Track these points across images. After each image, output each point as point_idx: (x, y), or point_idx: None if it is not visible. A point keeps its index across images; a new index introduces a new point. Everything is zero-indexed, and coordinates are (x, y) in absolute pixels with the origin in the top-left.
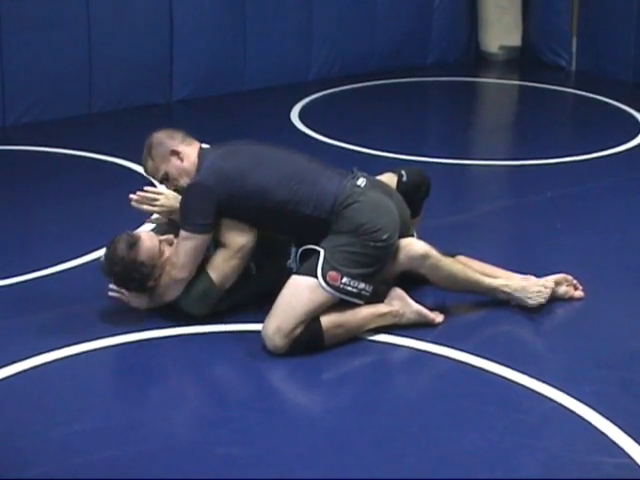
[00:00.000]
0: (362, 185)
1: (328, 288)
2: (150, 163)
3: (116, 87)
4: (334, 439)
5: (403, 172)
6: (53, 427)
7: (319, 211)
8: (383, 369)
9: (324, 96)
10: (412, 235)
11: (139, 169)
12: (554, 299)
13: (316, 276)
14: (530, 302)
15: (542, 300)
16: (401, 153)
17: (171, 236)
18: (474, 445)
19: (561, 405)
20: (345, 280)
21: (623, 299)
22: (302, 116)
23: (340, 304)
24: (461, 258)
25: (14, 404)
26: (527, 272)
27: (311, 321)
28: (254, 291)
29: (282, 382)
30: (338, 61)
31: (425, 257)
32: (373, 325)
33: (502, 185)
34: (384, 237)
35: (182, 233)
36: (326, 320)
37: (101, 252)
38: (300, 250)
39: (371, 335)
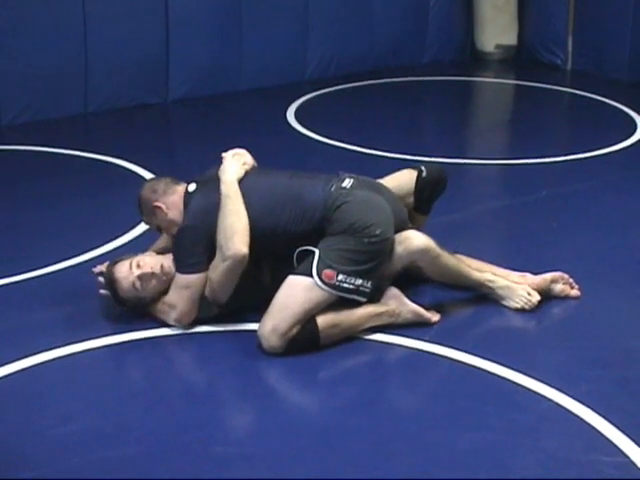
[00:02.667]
0: (348, 186)
1: (324, 286)
2: (145, 218)
3: (112, 87)
4: (331, 439)
5: (423, 168)
6: (50, 427)
7: (310, 223)
8: (380, 369)
9: (320, 95)
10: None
11: (135, 168)
12: (550, 298)
13: (311, 275)
14: (512, 304)
15: (526, 307)
16: (397, 152)
17: (148, 270)
18: (471, 445)
19: (558, 404)
20: (341, 277)
21: (619, 298)
22: (298, 115)
23: (336, 304)
24: (460, 257)
25: (11, 404)
26: (523, 271)
27: (307, 321)
28: (266, 298)
29: (279, 381)
30: (334, 60)
31: (425, 251)
32: (369, 325)
33: (498, 184)
34: (377, 232)
35: (178, 279)
36: (322, 320)
37: (97, 252)
38: (297, 251)
39: (367, 334)
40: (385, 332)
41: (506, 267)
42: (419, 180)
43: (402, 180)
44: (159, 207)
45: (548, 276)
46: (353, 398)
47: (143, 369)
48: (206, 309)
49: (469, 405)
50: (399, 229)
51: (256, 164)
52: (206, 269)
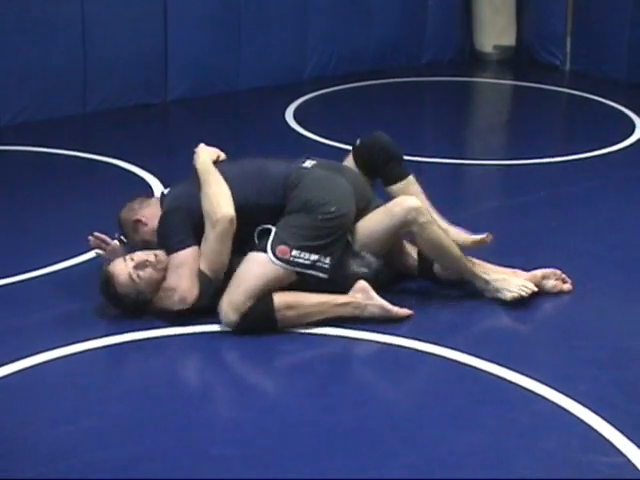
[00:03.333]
0: (309, 167)
1: (277, 261)
2: (129, 240)
3: (111, 86)
4: (328, 439)
5: (359, 140)
6: (48, 427)
7: (275, 197)
8: (377, 369)
9: (319, 96)
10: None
11: (133, 169)
12: (543, 293)
13: (266, 251)
14: (508, 295)
15: (523, 294)
16: None
17: (143, 258)
18: (468, 445)
19: (555, 404)
20: (295, 253)
21: (617, 298)
22: (297, 115)
23: (298, 283)
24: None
25: (10, 404)
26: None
27: (263, 298)
28: None
29: (276, 381)
30: (333, 61)
31: (419, 211)
32: (332, 314)
33: (496, 185)
34: (332, 209)
35: (171, 261)
36: (279, 299)
37: (95, 252)
38: (257, 230)
39: (363, 334)
40: (382, 332)
41: (504, 267)
42: (354, 152)
43: (347, 161)
44: (139, 220)
45: (538, 272)
46: (351, 398)
47: (141, 369)
48: (205, 292)
49: (465, 405)
50: (364, 207)
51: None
52: (195, 244)
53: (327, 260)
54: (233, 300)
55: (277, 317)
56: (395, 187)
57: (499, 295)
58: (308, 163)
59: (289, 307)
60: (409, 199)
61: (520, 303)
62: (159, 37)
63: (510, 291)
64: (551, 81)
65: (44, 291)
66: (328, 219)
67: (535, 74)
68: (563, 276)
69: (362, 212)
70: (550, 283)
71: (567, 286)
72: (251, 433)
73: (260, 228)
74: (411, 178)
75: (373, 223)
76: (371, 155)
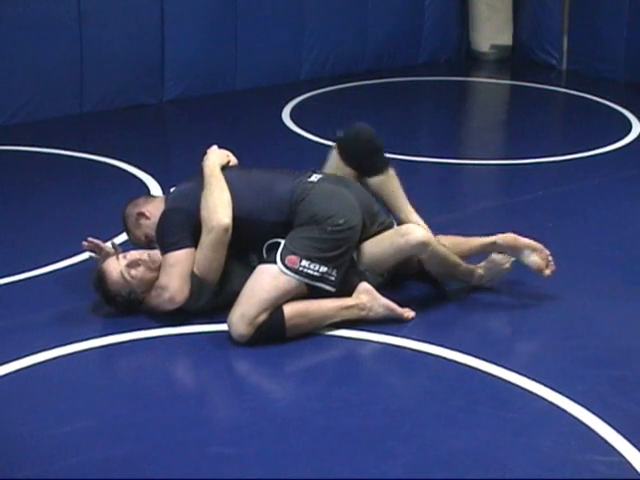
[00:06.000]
0: (315, 180)
1: (287, 272)
2: (132, 235)
3: (107, 87)
4: (326, 439)
5: (340, 132)
6: (45, 427)
7: (280, 214)
8: (375, 369)
9: (315, 96)
10: (390, 224)
11: (130, 169)
12: (542, 292)
13: (276, 262)
14: (508, 267)
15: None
16: (393, 152)
17: (136, 257)
18: (466, 445)
19: (553, 404)
20: (304, 263)
21: (614, 298)
22: (293, 116)
23: (305, 296)
24: (440, 237)
25: (6, 405)
26: (516, 271)
27: (274, 310)
28: None
29: (273, 381)
30: (329, 61)
31: (426, 244)
32: (339, 318)
33: (493, 184)
34: (340, 222)
35: (165, 260)
36: (289, 309)
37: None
38: (266, 244)
39: (363, 334)
40: (380, 332)
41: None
42: (339, 146)
43: (332, 157)
44: (142, 213)
45: (523, 239)
46: (349, 398)
47: (137, 370)
48: (197, 294)
49: (463, 404)
50: (371, 223)
51: (237, 162)
52: (190, 246)
53: (334, 273)
54: (245, 313)
55: (287, 327)
56: (376, 179)
57: (500, 276)
58: (314, 177)
59: (299, 316)
60: (415, 231)
61: (519, 304)
62: (156, 37)
63: (504, 269)
64: (548, 81)
65: (41, 291)
66: (337, 231)
67: (532, 73)
68: (550, 259)
69: (369, 228)
70: (532, 258)
71: (548, 271)
72: (249, 433)
73: (269, 242)
74: (391, 172)
75: (379, 251)
76: (357, 147)
